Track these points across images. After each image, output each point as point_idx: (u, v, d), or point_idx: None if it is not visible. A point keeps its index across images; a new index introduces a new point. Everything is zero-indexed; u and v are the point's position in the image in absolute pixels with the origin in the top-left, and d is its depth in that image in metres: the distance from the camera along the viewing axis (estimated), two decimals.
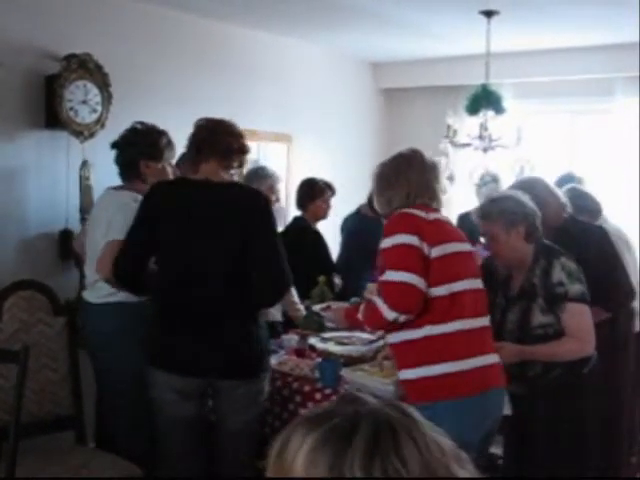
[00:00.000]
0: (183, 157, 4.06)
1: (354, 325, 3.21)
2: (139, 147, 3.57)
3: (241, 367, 3.13)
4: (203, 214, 3.09)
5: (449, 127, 4.99)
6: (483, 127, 4.80)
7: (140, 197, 3.39)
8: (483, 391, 2.77)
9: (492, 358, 2.85)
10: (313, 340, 3.89)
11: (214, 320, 3.08)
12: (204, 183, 3.13)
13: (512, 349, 3.10)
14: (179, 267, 3.13)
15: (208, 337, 3.08)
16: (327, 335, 3.96)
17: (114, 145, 3.67)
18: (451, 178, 5.04)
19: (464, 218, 5.54)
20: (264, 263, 3.08)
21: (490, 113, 4.82)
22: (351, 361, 3.58)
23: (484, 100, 4.77)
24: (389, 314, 2.72)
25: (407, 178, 2.92)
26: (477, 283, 2.91)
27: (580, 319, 3.01)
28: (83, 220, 4.36)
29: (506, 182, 5.12)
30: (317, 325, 4.01)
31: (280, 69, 5.88)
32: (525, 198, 3.14)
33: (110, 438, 3.66)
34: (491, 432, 2.90)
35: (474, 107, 4.83)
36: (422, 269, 2.73)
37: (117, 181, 3.79)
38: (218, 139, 3.14)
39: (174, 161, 3.80)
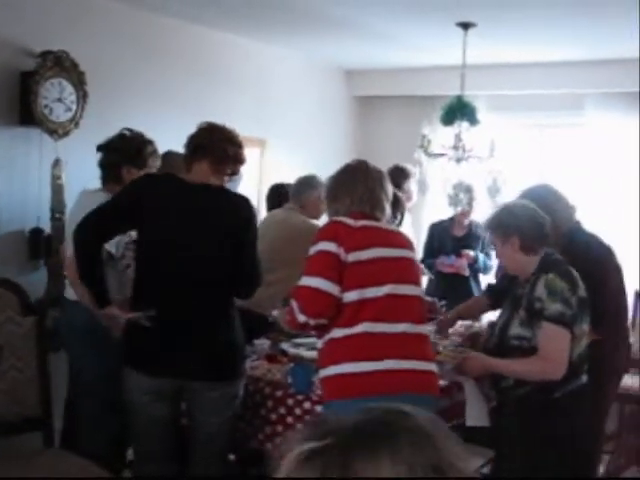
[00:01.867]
0: (165, 157, 4.06)
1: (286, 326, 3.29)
2: (123, 152, 3.59)
3: (217, 369, 3.14)
4: (188, 214, 3.11)
5: (424, 137, 5.03)
6: (457, 138, 4.84)
7: None
8: (384, 394, 2.74)
9: (411, 364, 2.86)
10: (285, 345, 3.89)
11: (192, 320, 3.08)
12: (193, 184, 3.15)
13: (476, 362, 3.16)
14: (158, 266, 3.13)
15: (185, 337, 3.08)
16: (299, 340, 3.96)
17: (99, 148, 3.68)
18: (424, 187, 5.06)
19: (435, 227, 5.59)
20: (247, 267, 3.18)
21: (464, 124, 4.86)
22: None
23: (459, 111, 4.81)
24: (300, 317, 2.84)
25: (350, 190, 3.01)
26: (404, 289, 2.94)
27: (550, 341, 2.92)
28: (53, 219, 4.33)
29: (479, 193, 5.18)
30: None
31: (256, 74, 5.88)
32: (523, 209, 3.12)
33: (73, 439, 3.65)
34: None
35: (449, 118, 4.87)
36: (335, 275, 2.83)
37: (90, 180, 3.80)
38: (214, 143, 3.16)
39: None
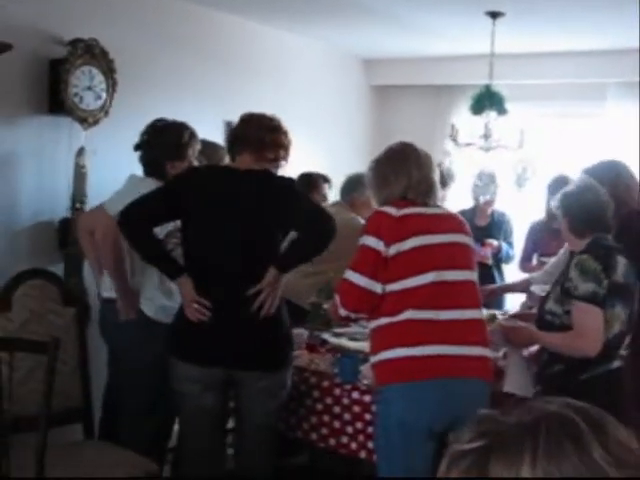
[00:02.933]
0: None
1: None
2: (163, 148, 3.53)
3: (266, 358, 3.11)
4: (233, 200, 3.08)
5: (453, 126, 5.01)
6: (487, 127, 4.82)
7: None
8: (439, 378, 2.77)
9: (460, 350, 2.83)
10: (326, 335, 3.87)
11: (240, 309, 3.05)
12: (237, 170, 3.14)
13: (524, 332, 3.17)
14: (205, 257, 3.10)
15: (234, 327, 3.05)
16: (339, 330, 3.95)
17: (137, 147, 3.62)
18: (451, 177, 5.05)
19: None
20: (310, 216, 3.11)
21: (492, 114, 4.84)
22: (366, 357, 3.57)
23: (488, 100, 4.79)
24: (341, 311, 2.91)
25: (406, 173, 2.94)
26: (452, 275, 2.89)
27: (583, 319, 2.94)
28: (74, 209, 4.27)
29: (504, 182, 5.16)
30: (321, 319, 3.99)
31: (275, 62, 5.84)
32: (581, 192, 3.11)
33: (113, 432, 3.61)
34: (458, 422, 2.71)
35: (478, 107, 4.85)
36: (374, 272, 2.82)
37: (118, 170, 3.80)
38: (252, 133, 3.14)
39: None
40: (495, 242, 5.45)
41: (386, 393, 2.86)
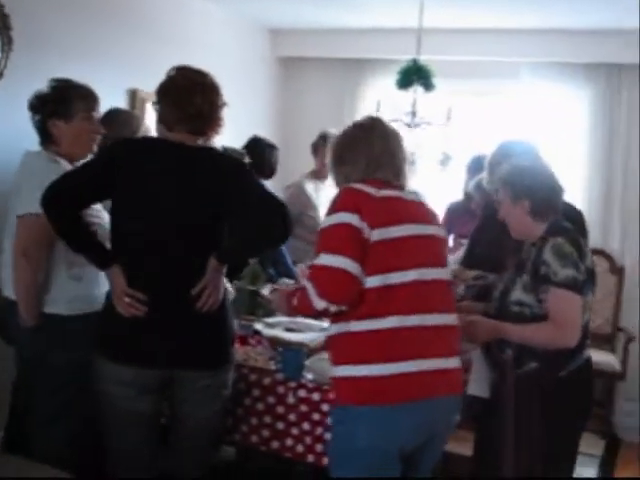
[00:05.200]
0: (108, 115, 3.60)
1: (292, 311, 2.74)
2: (48, 106, 3.07)
3: (209, 354, 2.77)
4: (167, 178, 2.70)
5: (378, 102, 4.75)
6: (413, 103, 4.60)
7: (61, 160, 3.00)
8: (418, 400, 2.42)
9: (442, 363, 2.49)
10: (259, 326, 3.55)
11: (178, 301, 2.70)
12: (178, 145, 2.75)
13: (484, 326, 2.89)
14: (136, 241, 2.72)
15: (171, 321, 2.69)
16: (270, 320, 3.63)
17: (29, 107, 3.15)
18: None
19: None
20: (261, 201, 2.74)
21: (419, 89, 4.63)
22: (311, 352, 3.28)
23: (415, 75, 4.57)
24: (318, 303, 2.40)
25: (366, 150, 2.62)
26: (433, 273, 2.54)
27: (562, 306, 2.74)
28: None
29: (428, 162, 4.97)
30: (264, 309, 3.67)
31: (179, 29, 5.39)
32: (540, 172, 2.92)
33: (19, 438, 3.17)
34: (430, 441, 2.55)
35: (405, 82, 4.61)
36: (359, 253, 2.41)
37: (18, 140, 3.31)
38: (192, 103, 2.76)
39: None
40: None
41: (354, 414, 2.42)
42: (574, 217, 3.28)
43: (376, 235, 2.44)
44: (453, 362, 2.53)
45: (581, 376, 2.88)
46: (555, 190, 2.95)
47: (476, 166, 4.81)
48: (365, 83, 6.14)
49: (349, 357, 2.45)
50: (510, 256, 3.12)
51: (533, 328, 2.79)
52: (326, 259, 2.41)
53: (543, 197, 2.90)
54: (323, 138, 5.20)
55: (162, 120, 2.84)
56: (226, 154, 2.94)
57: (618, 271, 5.65)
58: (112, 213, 2.79)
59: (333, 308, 2.40)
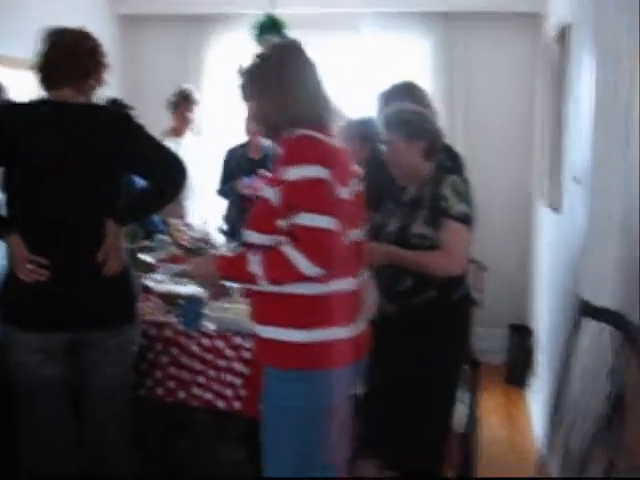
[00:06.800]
0: None
1: (234, 279, 2.67)
2: None
3: (116, 313, 2.79)
4: (68, 138, 2.67)
5: (240, 67, 4.75)
6: None
7: None
8: (350, 364, 2.43)
9: (362, 326, 2.52)
10: (148, 282, 3.55)
11: (80, 262, 2.69)
12: (64, 104, 2.72)
13: (382, 249, 3.00)
14: (32, 204, 2.68)
15: (75, 284, 2.68)
16: (156, 276, 3.65)
17: None
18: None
19: (232, 152, 5.40)
20: (153, 153, 2.76)
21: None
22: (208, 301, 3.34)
23: (270, 29, 4.64)
24: (310, 269, 2.22)
25: (297, 78, 2.36)
26: (358, 233, 2.49)
27: (455, 237, 2.94)
28: None
29: None
30: (143, 268, 3.67)
31: None
32: (430, 114, 3.10)
33: None
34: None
35: (261, 35, 4.67)
36: (339, 211, 2.25)
37: None
38: (70, 60, 2.73)
39: None
40: (269, 174, 5.37)
41: (291, 376, 2.35)
42: (454, 157, 3.52)
43: (343, 193, 2.31)
44: (364, 324, 2.55)
45: (467, 301, 3.14)
46: (440, 131, 3.15)
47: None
48: (212, 39, 6.08)
49: (293, 320, 2.33)
50: (387, 195, 3.29)
51: (427, 255, 2.96)
52: (313, 220, 2.21)
53: (435, 138, 3.08)
54: (181, 94, 5.18)
55: (44, 80, 2.78)
56: (111, 109, 2.91)
57: None
58: (4, 180, 2.73)
59: (319, 274, 2.25)
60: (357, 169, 2.50)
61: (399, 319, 3.06)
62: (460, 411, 3.46)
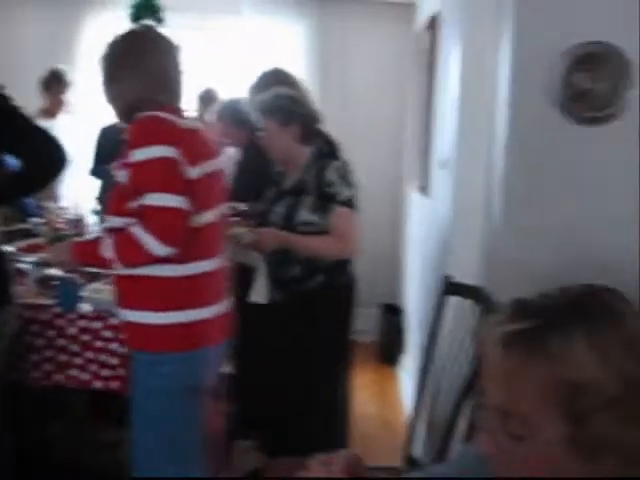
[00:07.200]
0: None
1: (91, 264, 2.69)
2: None
3: None
4: None
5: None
6: None
7: None
8: (216, 344, 2.53)
9: (226, 306, 2.60)
10: (25, 266, 3.49)
11: None
12: None
13: (272, 232, 3.03)
14: None
15: None
16: (22, 258, 3.58)
17: None
18: None
19: (106, 131, 5.32)
20: (30, 134, 2.70)
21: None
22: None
23: (146, 11, 4.60)
24: (160, 249, 2.23)
25: (145, 63, 2.39)
26: (219, 212, 2.54)
27: (345, 222, 3.02)
28: None
29: None
30: None
31: None
32: (304, 97, 3.16)
33: None
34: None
35: (137, 16, 4.63)
36: (185, 189, 2.28)
37: None
38: None
39: None
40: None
41: (158, 358, 2.39)
42: (329, 142, 3.61)
43: (196, 172, 2.33)
44: (227, 305, 2.62)
45: (352, 284, 3.26)
46: (318, 116, 3.22)
47: (206, 99, 5.02)
48: (89, 19, 5.95)
49: (152, 303, 2.37)
50: (267, 182, 3.35)
51: (318, 240, 3.04)
52: (161, 199, 2.22)
53: (310, 122, 3.15)
54: (54, 75, 5.08)
55: None
56: None
57: None
58: None
59: (169, 255, 2.27)
60: (216, 150, 2.54)
61: (287, 306, 3.14)
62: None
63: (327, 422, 3.20)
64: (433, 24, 4.29)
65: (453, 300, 2.72)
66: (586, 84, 2.39)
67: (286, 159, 3.17)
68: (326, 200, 3.02)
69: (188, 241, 2.31)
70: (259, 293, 3.12)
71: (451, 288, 2.72)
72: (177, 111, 2.42)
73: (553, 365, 0.98)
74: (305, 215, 3.05)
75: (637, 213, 2.47)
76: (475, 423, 2.20)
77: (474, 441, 1.41)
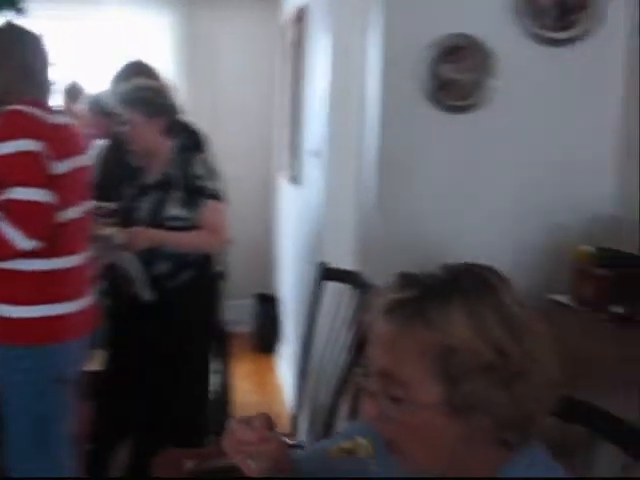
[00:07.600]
0: None
1: None
2: None
3: None
4: None
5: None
6: None
7: None
8: (79, 338, 2.54)
9: (90, 300, 2.61)
10: None
11: None
12: None
13: (143, 232, 2.96)
14: None
15: None
16: None
17: None
18: None
19: None
20: None
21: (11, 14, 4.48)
22: None
23: (5, 2, 4.41)
24: (25, 243, 2.25)
25: (11, 58, 2.37)
26: (83, 209, 2.55)
27: (214, 214, 2.99)
28: None
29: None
30: None
31: None
32: (168, 91, 3.12)
33: None
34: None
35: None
36: (49, 184, 2.29)
37: None
38: None
39: None
40: None
41: (20, 353, 2.39)
42: (193, 134, 3.58)
43: (62, 167, 2.35)
44: (91, 299, 2.62)
45: (219, 276, 3.27)
46: (179, 108, 3.19)
47: (72, 92, 4.89)
48: None
49: (14, 297, 2.39)
50: (127, 178, 3.28)
51: (190, 235, 2.99)
52: (25, 193, 2.23)
53: (175, 114, 3.11)
54: None
55: None
56: None
57: None
58: None
59: (34, 247, 2.28)
60: (84, 146, 2.56)
61: (156, 303, 3.07)
62: (215, 381, 3.61)
63: (201, 413, 3.22)
64: (301, 16, 4.33)
65: (330, 286, 2.78)
66: (452, 74, 2.49)
67: (149, 152, 3.09)
68: (195, 194, 2.98)
69: (53, 236, 2.33)
70: (143, 291, 3.05)
71: (327, 274, 2.76)
72: (44, 105, 2.41)
73: (431, 331, 1.04)
74: (173, 210, 2.99)
75: (509, 200, 2.59)
76: (357, 407, 2.26)
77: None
